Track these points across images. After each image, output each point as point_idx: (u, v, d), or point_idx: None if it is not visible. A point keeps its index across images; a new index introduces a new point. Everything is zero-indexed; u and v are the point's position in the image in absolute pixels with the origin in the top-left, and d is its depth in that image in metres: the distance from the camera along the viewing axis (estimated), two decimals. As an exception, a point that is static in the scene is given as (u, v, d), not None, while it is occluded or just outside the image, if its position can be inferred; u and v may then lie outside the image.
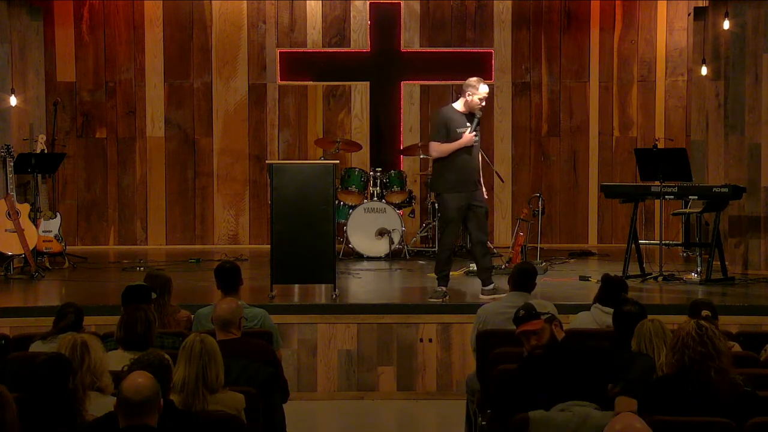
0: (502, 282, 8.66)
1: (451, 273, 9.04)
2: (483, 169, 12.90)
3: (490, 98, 13.17)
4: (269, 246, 8.92)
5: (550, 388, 4.51)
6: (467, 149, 8.79)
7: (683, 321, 5.14)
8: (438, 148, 8.79)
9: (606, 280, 6.66)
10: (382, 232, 11.63)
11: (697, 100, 12.01)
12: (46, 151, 11.49)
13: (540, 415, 4.38)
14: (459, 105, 8.88)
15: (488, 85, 8.98)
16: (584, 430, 4.37)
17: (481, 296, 8.77)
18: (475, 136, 8.82)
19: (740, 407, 4.48)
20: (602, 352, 5.01)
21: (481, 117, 8.92)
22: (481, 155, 9.21)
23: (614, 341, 5.65)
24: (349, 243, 11.65)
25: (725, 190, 9.70)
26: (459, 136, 8.74)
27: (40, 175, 11.25)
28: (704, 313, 5.89)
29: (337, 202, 10.98)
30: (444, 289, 8.78)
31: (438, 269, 8.90)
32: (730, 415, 4.45)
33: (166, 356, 4.72)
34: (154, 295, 6.32)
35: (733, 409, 4.48)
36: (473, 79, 8.85)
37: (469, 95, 8.77)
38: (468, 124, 8.77)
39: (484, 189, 9.01)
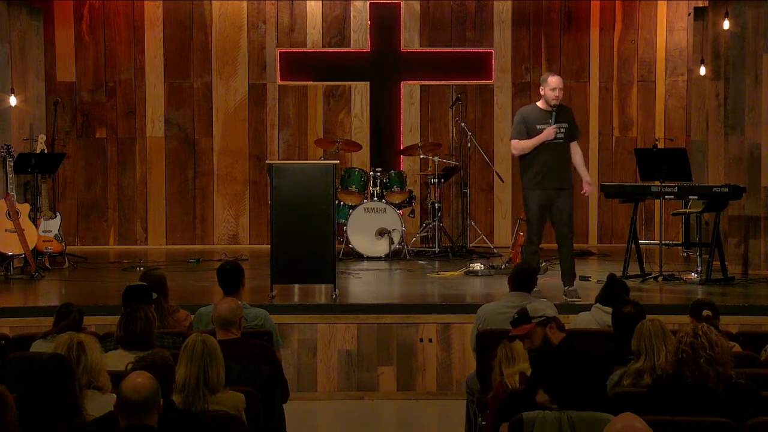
0: (501, 282, 8.65)
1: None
2: (483, 169, 13.04)
3: (490, 98, 13.29)
4: (269, 246, 8.92)
5: (545, 389, 4.52)
6: (550, 147, 8.72)
7: (684, 321, 5.16)
8: (516, 146, 8.81)
9: (610, 279, 6.66)
10: (382, 232, 11.62)
11: (697, 100, 12.00)
12: (46, 151, 11.49)
13: (534, 415, 4.39)
14: (540, 102, 8.89)
15: (560, 79, 8.84)
16: (578, 429, 4.37)
17: (564, 296, 8.69)
18: (559, 130, 8.72)
19: (733, 399, 4.53)
20: (597, 357, 4.99)
21: (558, 109, 8.76)
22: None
23: (614, 341, 5.67)
24: (349, 243, 11.64)
25: (725, 190, 9.70)
26: (539, 133, 8.73)
27: (40, 175, 11.25)
28: (705, 313, 5.90)
29: (337, 202, 10.97)
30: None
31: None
32: (725, 409, 4.48)
33: (170, 357, 4.73)
34: (154, 295, 6.32)
35: (726, 402, 4.51)
36: (544, 74, 8.99)
37: (542, 89, 8.82)
38: (550, 120, 8.77)
39: (587, 183, 8.95)
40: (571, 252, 8.95)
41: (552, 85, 8.74)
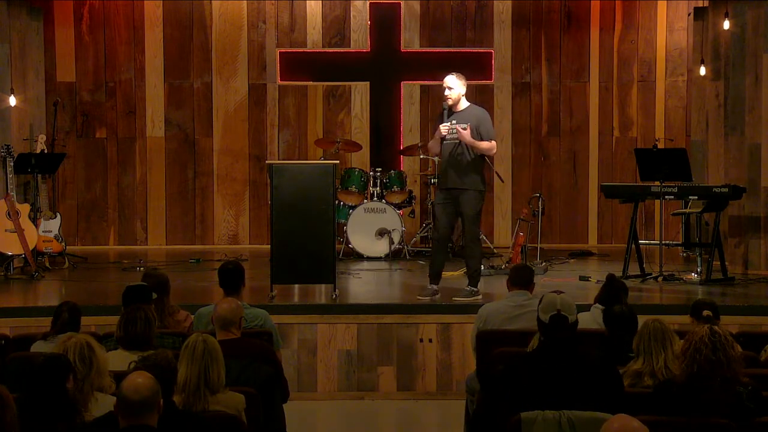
0: (501, 282, 8.63)
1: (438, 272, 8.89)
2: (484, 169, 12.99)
3: (490, 98, 13.27)
4: (269, 246, 8.92)
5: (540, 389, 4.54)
6: (445, 146, 8.75)
7: (693, 324, 5.13)
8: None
9: (609, 280, 6.66)
10: (382, 232, 11.62)
11: (697, 100, 12.01)
12: (46, 151, 11.49)
13: (533, 416, 4.39)
14: None
15: (449, 77, 8.87)
16: (578, 429, 4.38)
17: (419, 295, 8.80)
18: (449, 130, 8.66)
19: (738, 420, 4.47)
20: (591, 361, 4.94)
21: (448, 109, 8.78)
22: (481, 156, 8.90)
23: (613, 341, 5.67)
24: (349, 243, 11.64)
25: (725, 190, 9.70)
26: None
27: (40, 175, 11.25)
28: (705, 313, 5.89)
29: (337, 202, 10.97)
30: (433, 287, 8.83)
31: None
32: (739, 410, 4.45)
33: (174, 358, 4.72)
34: (154, 295, 6.31)
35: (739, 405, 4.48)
36: None
37: None
38: (444, 119, 8.80)
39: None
40: (472, 255, 8.81)
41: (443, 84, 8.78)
